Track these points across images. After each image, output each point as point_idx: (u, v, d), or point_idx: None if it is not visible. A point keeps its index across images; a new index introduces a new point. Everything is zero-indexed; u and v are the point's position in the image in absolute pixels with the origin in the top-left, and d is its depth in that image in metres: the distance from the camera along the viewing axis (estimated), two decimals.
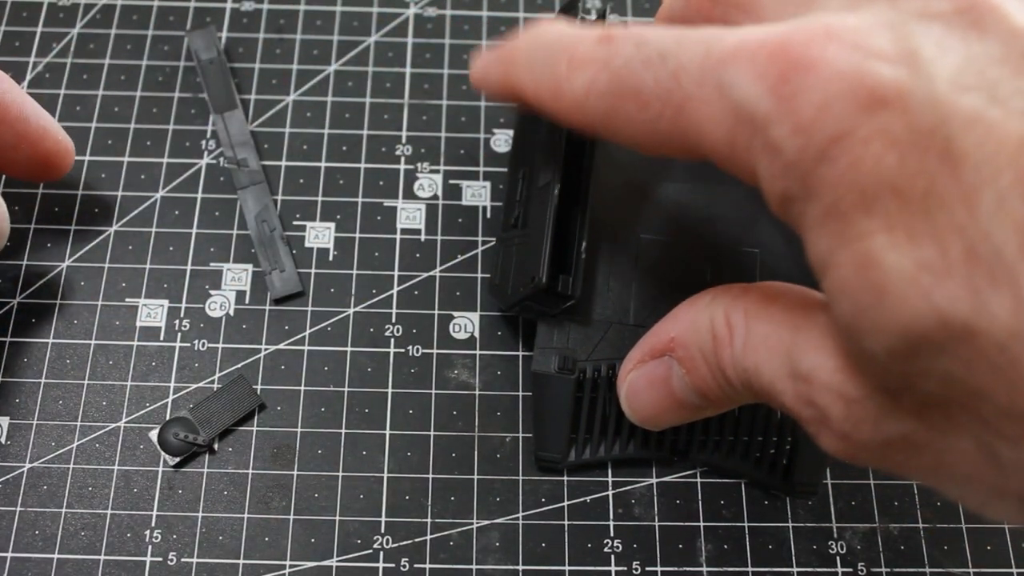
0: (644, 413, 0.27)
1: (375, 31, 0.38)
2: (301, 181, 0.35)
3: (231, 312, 0.33)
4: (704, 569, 0.30)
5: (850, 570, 0.30)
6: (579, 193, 0.30)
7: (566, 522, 0.30)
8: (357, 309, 0.33)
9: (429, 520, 0.30)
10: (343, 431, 0.31)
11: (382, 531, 0.30)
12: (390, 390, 0.32)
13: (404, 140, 0.36)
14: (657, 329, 0.26)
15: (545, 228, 0.29)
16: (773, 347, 0.22)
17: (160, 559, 0.29)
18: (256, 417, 0.31)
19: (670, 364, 0.25)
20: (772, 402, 0.23)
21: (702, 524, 0.30)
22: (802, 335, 0.21)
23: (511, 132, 0.36)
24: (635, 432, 0.31)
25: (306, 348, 0.33)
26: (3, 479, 0.30)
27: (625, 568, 0.30)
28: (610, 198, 0.32)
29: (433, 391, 0.32)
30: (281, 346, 0.33)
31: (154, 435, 0.31)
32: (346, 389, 0.32)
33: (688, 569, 0.30)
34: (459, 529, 0.30)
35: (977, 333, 0.17)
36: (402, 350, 0.33)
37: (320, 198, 0.35)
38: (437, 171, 0.36)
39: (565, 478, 0.31)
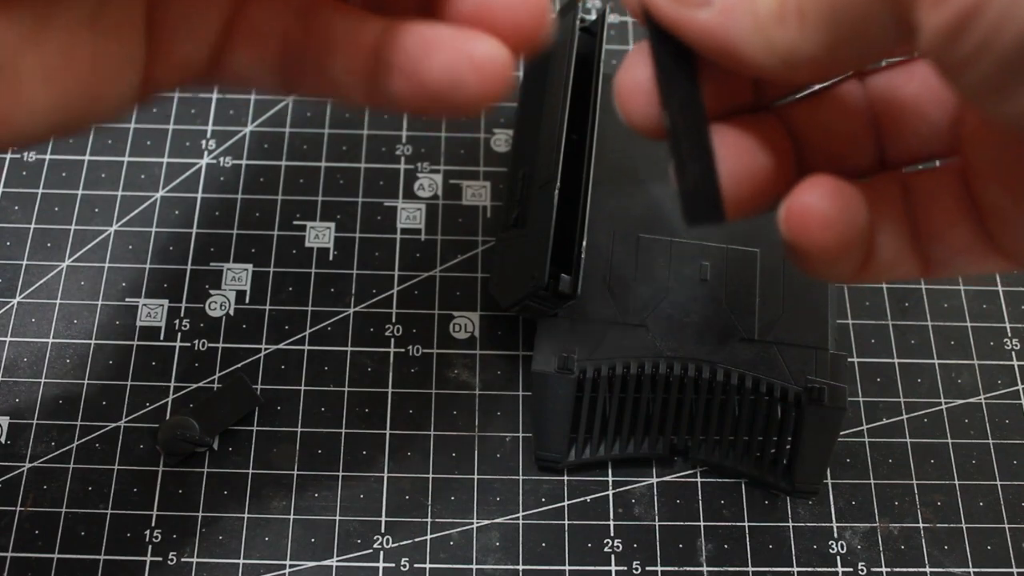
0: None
1: None
2: (301, 181, 0.35)
3: (231, 312, 0.33)
4: (704, 569, 0.30)
5: (850, 570, 0.30)
6: (579, 193, 0.30)
7: (566, 522, 0.30)
8: (357, 309, 0.33)
9: (429, 520, 0.30)
10: (343, 431, 0.31)
11: (382, 531, 0.30)
12: (390, 390, 0.32)
13: (404, 140, 0.36)
14: None
15: (545, 228, 0.29)
16: None
17: (160, 559, 0.29)
18: (256, 417, 0.31)
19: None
20: None
21: (702, 524, 0.30)
22: None
23: (511, 132, 0.36)
24: (635, 432, 0.31)
25: (306, 348, 0.33)
26: (3, 479, 0.30)
27: (625, 568, 0.30)
28: (610, 195, 0.32)
29: (433, 391, 0.32)
30: (281, 346, 0.33)
31: (154, 435, 0.31)
32: (346, 389, 0.32)
33: (688, 569, 0.30)
34: (459, 529, 0.30)
35: None
36: (402, 350, 0.33)
37: (320, 198, 0.35)
38: (437, 171, 0.36)
39: (565, 478, 0.31)
